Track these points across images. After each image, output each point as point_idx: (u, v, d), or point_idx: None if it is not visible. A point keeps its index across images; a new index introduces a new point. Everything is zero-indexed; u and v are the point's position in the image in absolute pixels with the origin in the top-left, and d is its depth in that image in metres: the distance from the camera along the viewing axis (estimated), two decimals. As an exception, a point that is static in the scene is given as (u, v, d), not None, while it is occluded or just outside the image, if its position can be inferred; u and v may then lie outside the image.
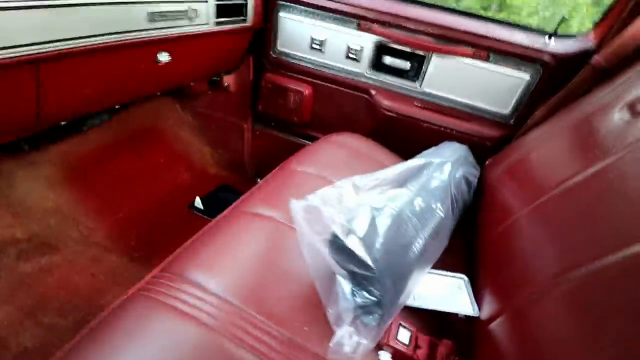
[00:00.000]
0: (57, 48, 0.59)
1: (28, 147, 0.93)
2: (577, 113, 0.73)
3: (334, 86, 1.15)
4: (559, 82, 0.88)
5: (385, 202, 0.56)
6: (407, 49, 1.02)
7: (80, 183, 1.09)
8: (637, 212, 0.44)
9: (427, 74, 1.02)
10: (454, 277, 0.67)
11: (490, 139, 1.02)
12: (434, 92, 1.04)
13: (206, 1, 0.87)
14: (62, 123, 0.84)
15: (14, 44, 0.53)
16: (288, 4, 1.07)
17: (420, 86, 1.05)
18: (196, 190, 1.34)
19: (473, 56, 0.95)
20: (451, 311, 0.60)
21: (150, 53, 0.82)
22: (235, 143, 1.45)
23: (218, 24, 0.93)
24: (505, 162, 0.84)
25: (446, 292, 0.63)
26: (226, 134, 1.45)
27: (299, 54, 1.14)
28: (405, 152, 1.00)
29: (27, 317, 0.75)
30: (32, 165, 1.00)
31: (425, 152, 0.86)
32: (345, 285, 0.50)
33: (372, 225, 0.50)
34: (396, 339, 0.53)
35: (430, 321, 0.60)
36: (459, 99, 1.03)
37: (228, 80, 1.29)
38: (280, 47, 1.16)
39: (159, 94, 1.08)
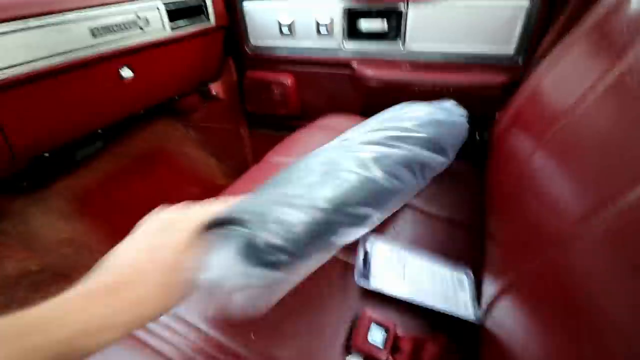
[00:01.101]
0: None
1: (27, 184, 0.98)
2: (589, 22, 0.56)
3: (314, 69, 1.06)
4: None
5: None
6: (381, 7, 0.90)
7: (91, 212, 1.14)
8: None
9: (407, 29, 0.89)
10: (454, 269, 0.54)
11: (497, 88, 0.85)
12: (420, 49, 0.91)
13: (157, 8, 0.85)
14: (46, 154, 0.87)
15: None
16: (249, -7, 1.02)
17: (404, 45, 0.92)
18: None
19: (456, -5, 0.81)
20: (446, 311, 0.48)
21: (109, 70, 0.81)
22: (238, 150, 1.43)
23: (175, 28, 0.90)
24: (513, 107, 0.69)
25: (442, 287, 0.51)
26: (227, 142, 1.43)
27: (272, 43, 1.08)
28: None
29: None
30: (41, 201, 1.06)
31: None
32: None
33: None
34: (366, 339, 0.43)
35: (425, 318, 0.48)
36: (449, 50, 0.88)
37: (215, 87, 1.27)
38: (253, 41, 1.10)
39: (142, 112, 1.08)
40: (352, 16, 0.94)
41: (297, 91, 1.13)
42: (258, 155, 1.41)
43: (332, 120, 0.93)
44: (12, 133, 0.70)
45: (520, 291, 0.38)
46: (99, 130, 0.99)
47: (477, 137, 0.86)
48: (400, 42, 0.92)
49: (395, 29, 0.91)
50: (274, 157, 0.80)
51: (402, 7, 0.87)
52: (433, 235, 0.62)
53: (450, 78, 0.89)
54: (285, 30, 1.02)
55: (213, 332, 0.44)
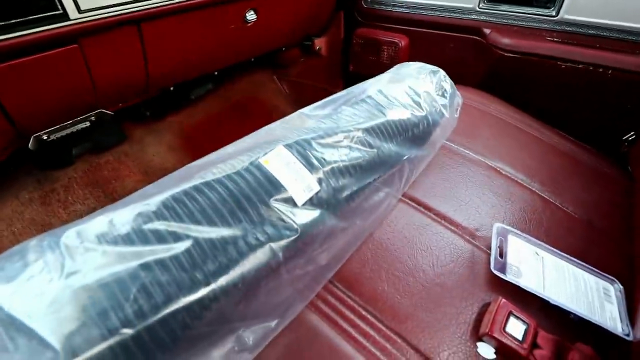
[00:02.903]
0: (151, 6, 0.63)
1: (149, 113, 1.07)
2: None
3: (434, 31, 0.97)
4: None
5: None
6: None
7: (193, 148, 1.23)
8: None
9: (569, -6, 0.75)
10: (601, 277, 0.48)
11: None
12: (579, 18, 0.76)
13: (290, -51, 0.82)
14: (171, 88, 0.93)
15: (114, 3, 0.58)
16: (381, -61, 0.94)
17: (558, 13, 0.78)
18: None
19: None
20: (590, 319, 0.43)
21: (239, 10, 0.82)
22: (328, 110, 1.41)
23: (302, -27, 0.87)
24: None
25: (586, 294, 0.46)
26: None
27: (393, -1, 1.00)
28: (532, 101, 0.78)
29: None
30: (156, 132, 1.16)
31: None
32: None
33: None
34: (504, 330, 0.39)
35: (563, 322, 0.44)
36: (619, 23, 0.73)
37: (319, 43, 1.24)
38: (372, -6, 1.03)
39: (252, 60, 1.10)
40: (499, -28, 0.82)
41: (409, 54, 1.05)
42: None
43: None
44: (153, 61, 0.75)
45: None
46: (215, 72, 1.03)
47: (631, 135, 0.73)
48: (553, 9, 0.78)
49: (552, -7, 0.78)
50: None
51: None
52: (570, 236, 0.55)
53: (609, 57, 0.75)
54: (413, -16, 0.93)
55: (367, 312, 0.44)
